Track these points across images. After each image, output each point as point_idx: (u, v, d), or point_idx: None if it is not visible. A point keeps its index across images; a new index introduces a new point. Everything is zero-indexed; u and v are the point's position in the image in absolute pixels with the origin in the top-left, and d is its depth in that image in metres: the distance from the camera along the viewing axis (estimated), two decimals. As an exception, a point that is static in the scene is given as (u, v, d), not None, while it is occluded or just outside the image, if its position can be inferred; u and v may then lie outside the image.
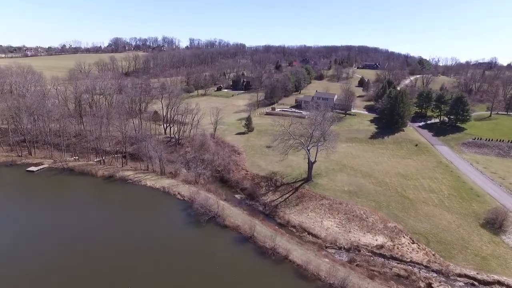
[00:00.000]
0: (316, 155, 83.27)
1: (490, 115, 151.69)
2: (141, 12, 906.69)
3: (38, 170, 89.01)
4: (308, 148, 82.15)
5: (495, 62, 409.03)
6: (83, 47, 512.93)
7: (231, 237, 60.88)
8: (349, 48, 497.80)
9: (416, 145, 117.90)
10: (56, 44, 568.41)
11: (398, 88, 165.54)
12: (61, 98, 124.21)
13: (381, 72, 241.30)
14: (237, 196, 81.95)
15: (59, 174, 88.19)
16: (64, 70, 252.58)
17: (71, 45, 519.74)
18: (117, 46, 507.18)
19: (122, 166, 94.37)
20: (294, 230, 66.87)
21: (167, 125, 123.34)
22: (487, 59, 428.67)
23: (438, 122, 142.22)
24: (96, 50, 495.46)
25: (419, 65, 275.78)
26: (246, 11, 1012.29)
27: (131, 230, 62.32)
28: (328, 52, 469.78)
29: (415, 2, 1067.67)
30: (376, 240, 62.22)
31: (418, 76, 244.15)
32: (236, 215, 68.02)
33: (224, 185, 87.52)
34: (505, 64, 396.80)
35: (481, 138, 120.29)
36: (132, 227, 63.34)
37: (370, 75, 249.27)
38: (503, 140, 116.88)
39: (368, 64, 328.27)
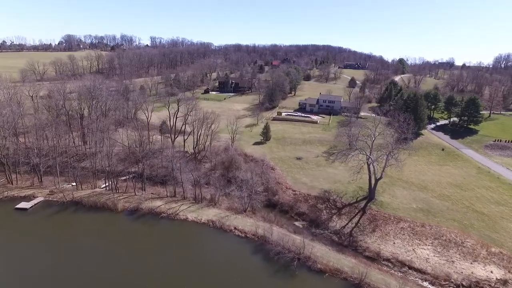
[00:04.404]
0: (383, 171, 73.43)
1: (490, 115, 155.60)
2: (93, 6, 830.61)
3: (32, 206, 67.32)
4: (374, 163, 72.18)
5: (453, 62, 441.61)
6: (29, 45, 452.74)
7: (336, 286, 48.25)
8: (316, 48, 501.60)
9: (443, 150, 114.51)
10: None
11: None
12: (40, 106, 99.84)
13: (370, 72, 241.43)
14: (297, 223, 69.20)
15: (63, 210, 67.17)
16: (12, 71, 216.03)
17: (12, 42, 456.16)
18: (70, 44, 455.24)
19: (142, 193, 75.92)
20: (390, 264, 56.47)
21: (176, 136, 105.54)
22: (445, 59, 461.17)
23: (448, 124, 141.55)
24: (46, 48, 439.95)
25: (401, 65, 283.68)
26: (209, 8, 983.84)
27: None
28: (299, 51, 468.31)
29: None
30: (491, 272, 53.97)
31: (402, 75, 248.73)
32: (324, 253, 55.41)
33: (273, 210, 74.09)
34: (460, 64, 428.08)
35: (500, 140, 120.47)
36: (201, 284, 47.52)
37: (356, 75, 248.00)
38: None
39: (350, 64, 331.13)
